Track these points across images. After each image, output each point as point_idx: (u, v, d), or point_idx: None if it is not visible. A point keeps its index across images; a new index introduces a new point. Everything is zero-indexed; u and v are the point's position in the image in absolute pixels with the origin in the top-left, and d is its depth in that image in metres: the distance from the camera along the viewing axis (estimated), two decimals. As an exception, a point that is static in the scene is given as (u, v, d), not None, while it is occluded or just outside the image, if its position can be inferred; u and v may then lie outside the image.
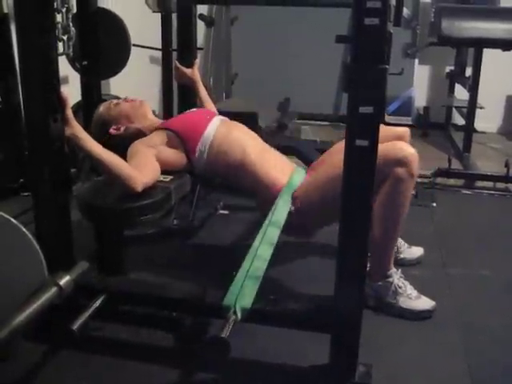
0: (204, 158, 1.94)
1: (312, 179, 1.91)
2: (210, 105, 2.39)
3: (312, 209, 1.85)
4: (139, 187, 1.70)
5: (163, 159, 1.90)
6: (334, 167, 1.70)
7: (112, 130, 1.99)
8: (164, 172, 1.90)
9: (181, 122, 2.04)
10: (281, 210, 1.74)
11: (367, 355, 1.51)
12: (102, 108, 2.07)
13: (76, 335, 1.48)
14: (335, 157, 1.79)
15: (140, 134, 1.99)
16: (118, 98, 2.91)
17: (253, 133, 2.08)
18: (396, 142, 1.80)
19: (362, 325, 1.44)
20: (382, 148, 1.70)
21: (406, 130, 2.01)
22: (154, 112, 2.13)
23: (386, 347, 1.70)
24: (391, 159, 1.72)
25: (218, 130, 1.97)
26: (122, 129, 2.00)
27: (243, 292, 1.46)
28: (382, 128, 1.31)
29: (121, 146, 1.87)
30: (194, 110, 2.20)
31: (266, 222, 1.67)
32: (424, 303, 1.86)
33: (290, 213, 1.77)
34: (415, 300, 1.85)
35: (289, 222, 1.72)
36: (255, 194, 1.97)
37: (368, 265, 1.72)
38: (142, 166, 1.78)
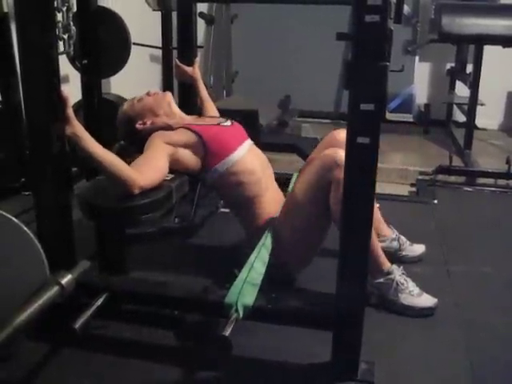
0: (217, 175, 1.93)
1: (284, 208, 1.96)
2: (210, 103, 2.39)
3: (287, 242, 1.89)
4: (136, 190, 1.68)
5: (178, 159, 1.88)
6: (299, 193, 1.85)
7: (138, 126, 1.99)
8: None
9: (214, 133, 1.98)
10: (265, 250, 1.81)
11: (369, 352, 1.51)
12: (125, 105, 2.07)
13: (78, 334, 1.48)
14: (301, 178, 1.90)
15: (168, 128, 1.97)
16: (119, 96, 2.93)
17: (266, 162, 2.09)
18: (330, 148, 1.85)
19: (363, 322, 1.44)
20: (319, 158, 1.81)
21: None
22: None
23: (387, 344, 1.70)
24: (329, 164, 1.77)
25: (244, 158, 1.96)
26: (149, 123, 1.99)
27: (244, 292, 1.46)
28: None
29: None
30: (229, 124, 2.10)
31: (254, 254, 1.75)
32: (426, 300, 1.85)
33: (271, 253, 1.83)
34: (417, 297, 1.85)
35: (271, 263, 1.77)
36: (246, 227, 2.04)
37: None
38: (146, 166, 1.76)
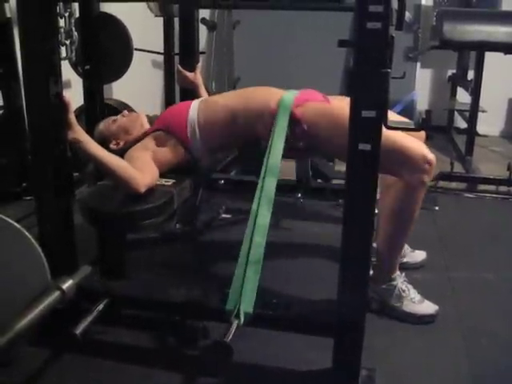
0: (198, 138, 1.94)
1: (325, 107, 1.87)
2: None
3: (319, 135, 1.82)
4: (142, 188, 1.72)
5: (162, 159, 1.90)
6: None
7: (112, 146, 2.01)
8: (166, 174, 1.90)
9: (164, 118, 2.05)
10: (278, 143, 1.70)
11: (370, 359, 1.51)
12: (101, 125, 2.10)
13: (79, 339, 1.48)
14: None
15: (137, 142, 2.00)
16: (121, 102, 2.94)
17: (234, 91, 2.10)
18: (420, 142, 1.78)
19: (365, 328, 1.44)
20: (407, 141, 1.71)
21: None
22: (155, 117, 2.13)
23: (389, 351, 1.70)
24: (414, 163, 1.71)
25: (200, 108, 1.98)
26: (122, 143, 2.02)
27: (245, 287, 1.45)
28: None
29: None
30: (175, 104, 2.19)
31: (264, 167, 1.66)
32: (427, 307, 1.85)
33: (293, 134, 1.78)
34: (418, 304, 1.85)
35: (291, 142, 1.74)
36: (254, 129, 1.91)
37: (371, 269, 1.72)
38: (142, 169, 1.79)
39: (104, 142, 2.02)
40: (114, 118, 2.11)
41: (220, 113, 1.94)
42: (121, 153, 1.93)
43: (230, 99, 1.99)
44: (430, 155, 1.72)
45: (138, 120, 2.08)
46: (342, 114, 1.73)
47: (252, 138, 1.93)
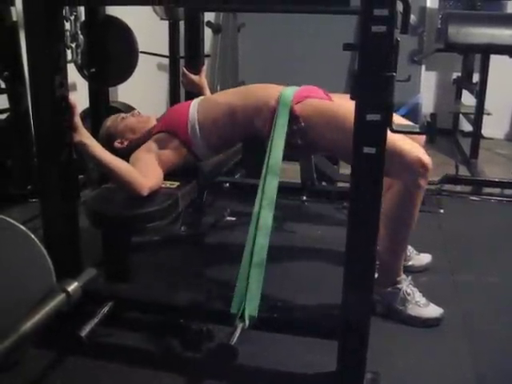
0: (199, 137, 1.94)
1: (324, 104, 1.87)
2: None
3: (317, 132, 1.82)
4: (145, 191, 1.72)
5: (165, 160, 1.90)
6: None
7: (116, 144, 2.01)
8: (171, 177, 1.91)
9: (165, 119, 2.05)
10: (278, 141, 1.70)
11: (375, 363, 1.50)
12: (109, 122, 2.10)
13: (84, 342, 1.49)
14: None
15: (141, 144, 2.00)
16: (126, 105, 2.94)
17: (234, 88, 2.12)
18: (416, 144, 1.76)
19: (369, 332, 1.44)
20: (403, 144, 1.69)
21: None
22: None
23: (393, 354, 1.69)
24: (409, 166, 1.70)
25: (199, 106, 1.98)
26: (126, 143, 2.02)
27: (250, 290, 1.46)
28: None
29: (125, 159, 1.88)
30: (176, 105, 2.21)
31: (264, 166, 1.65)
32: (432, 311, 1.85)
33: (291, 131, 1.76)
34: (423, 307, 1.84)
35: (289, 139, 1.73)
36: (254, 125, 1.90)
37: (376, 273, 1.72)
38: (146, 171, 1.79)
39: (110, 139, 2.02)
40: (123, 115, 2.10)
41: (219, 110, 1.94)
42: (124, 152, 1.94)
43: (229, 96, 1.99)
44: (426, 158, 1.71)
45: (148, 123, 2.07)
46: (341, 111, 1.74)
47: (253, 134, 1.93)
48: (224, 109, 1.94)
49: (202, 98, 2.11)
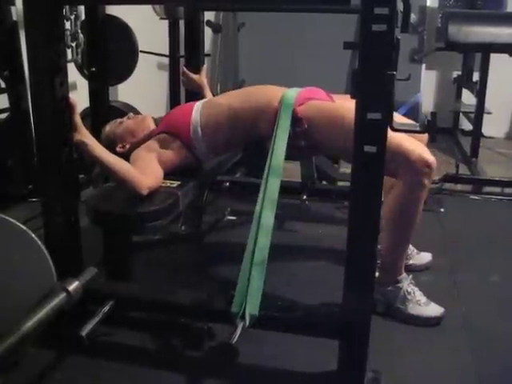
0: (201, 139, 1.94)
1: (326, 105, 1.87)
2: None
3: (320, 134, 1.82)
4: (144, 190, 1.73)
5: (166, 161, 1.91)
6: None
7: (118, 149, 2.01)
8: (172, 176, 1.91)
9: (168, 120, 2.05)
10: (280, 143, 1.70)
11: (376, 362, 1.51)
12: (107, 128, 2.11)
13: (85, 341, 1.49)
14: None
15: (143, 144, 2.00)
16: (126, 104, 2.94)
17: (236, 90, 2.11)
18: (420, 143, 1.76)
19: (370, 331, 1.44)
20: (407, 144, 1.69)
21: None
22: (159, 119, 2.14)
23: (394, 353, 1.69)
24: (413, 166, 1.69)
25: (202, 109, 1.98)
26: (127, 146, 2.02)
27: (251, 289, 1.46)
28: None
29: (127, 161, 1.89)
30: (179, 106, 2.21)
31: (266, 167, 1.65)
32: (433, 310, 1.85)
33: (294, 133, 1.77)
34: (424, 306, 1.84)
35: (293, 141, 1.74)
36: (257, 128, 1.90)
37: (377, 271, 1.72)
38: (145, 170, 1.79)
39: (111, 145, 2.03)
40: (120, 120, 2.12)
41: (222, 113, 1.94)
42: (127, 155, 1.94)
43: (231, 99, 1.99)
44: (431, 158, 1.71)
45: (144, 122, 2.08)
46: (344, 113, 1.74)
47: (255, 137, 1.93)
48: (227, 112, 1.94)
49: (205, 100, 2.11)
